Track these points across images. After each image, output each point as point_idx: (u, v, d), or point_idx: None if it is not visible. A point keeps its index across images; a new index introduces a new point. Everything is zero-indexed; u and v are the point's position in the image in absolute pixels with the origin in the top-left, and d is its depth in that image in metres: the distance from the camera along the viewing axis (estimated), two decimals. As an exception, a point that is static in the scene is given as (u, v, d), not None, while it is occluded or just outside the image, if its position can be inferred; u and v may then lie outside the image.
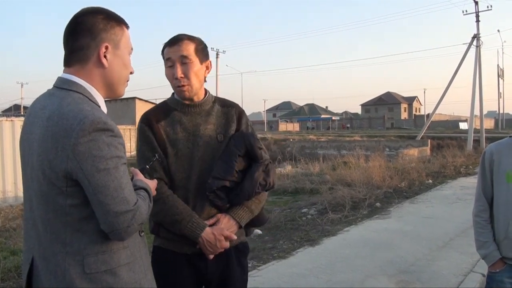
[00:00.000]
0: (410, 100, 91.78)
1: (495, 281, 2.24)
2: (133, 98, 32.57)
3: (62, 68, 1.40)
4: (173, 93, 1.95)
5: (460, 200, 8.21)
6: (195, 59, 1.84)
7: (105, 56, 1.36)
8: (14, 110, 60.31)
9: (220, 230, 1.82)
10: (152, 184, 1.51)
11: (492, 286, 2.26)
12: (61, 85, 1.35)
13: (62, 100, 1.29)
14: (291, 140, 29.29)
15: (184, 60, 1.82)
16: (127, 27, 1.45)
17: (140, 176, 1.51)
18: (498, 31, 72.39)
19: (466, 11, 24.52)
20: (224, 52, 42.38)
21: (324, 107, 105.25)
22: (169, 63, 1.85)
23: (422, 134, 26.04)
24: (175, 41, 1.84)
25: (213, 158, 1.88)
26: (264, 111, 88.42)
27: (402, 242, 5.32)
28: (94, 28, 1.35)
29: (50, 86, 1.40)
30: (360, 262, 4.54)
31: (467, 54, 23.81)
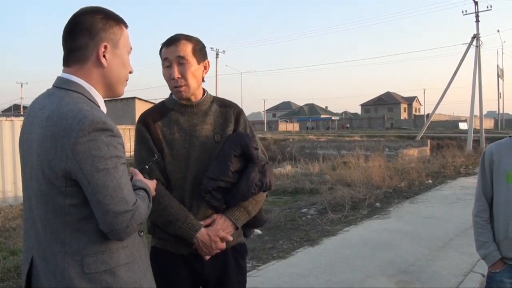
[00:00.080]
0: (410, 100, 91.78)
1: (495, 281, 2.24)
2: (133, 98, 32.64)
3: (62, 68, 1.39)
4: (171, 93, 1.94)
5: (460, 200, 8.21)
6: (192, 60, 1.83)
7: (104, 56, 1.36)
8: (13, 110, 60.32)
9: (216, 231, 1.81)
10: (151, 184, 1.51)
11: (492, 286, 2.26)
12: (60, 85, 1.35)
13: (62, 100, 1.29)
14: (290, 140, 29.29)
15: (181, 61, 1.81)
16: (126, 26, 1.45)
17: (140, 176, 1.51)
18: (498, 31, 73.07)
19: (466, 11, 24.62)
20: (224, 52, 42.50)
21: (324, 107, 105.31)
22: (166, 63, 1.84)
23: (422, 134, 26.05)
24: (172, 41, 1.83)
25: (210, 158, 1.86)
26: (263, 111, 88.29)
27: (402, 242, 5.32)
28: (93, 28, 1.35)
29: (50, 86, 1.40)
30: (360, 262, 4.54)
31: (467, 54, 23.86)
